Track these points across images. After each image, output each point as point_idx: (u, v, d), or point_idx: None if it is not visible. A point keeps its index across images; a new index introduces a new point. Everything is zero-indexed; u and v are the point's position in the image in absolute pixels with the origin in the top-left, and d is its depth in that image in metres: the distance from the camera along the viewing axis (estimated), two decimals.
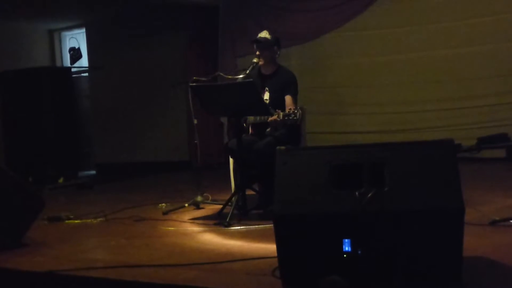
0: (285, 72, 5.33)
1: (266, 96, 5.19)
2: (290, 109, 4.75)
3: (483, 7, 8.03)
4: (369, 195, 2.78)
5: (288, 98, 5.13)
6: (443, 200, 2.75)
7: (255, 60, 5.25)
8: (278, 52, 5.33)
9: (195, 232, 4.54)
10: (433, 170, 2.84)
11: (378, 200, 2.78)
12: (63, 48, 11.73)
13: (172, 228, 4.72)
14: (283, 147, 3.09)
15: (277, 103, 5.05)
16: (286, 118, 4.69)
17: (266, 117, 4.92)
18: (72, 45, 11.07)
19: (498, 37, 7.96)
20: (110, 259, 3.84)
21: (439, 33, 8.35)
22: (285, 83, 5.21)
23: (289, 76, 5.30)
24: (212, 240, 4.23)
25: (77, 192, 8.04)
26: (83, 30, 11.40)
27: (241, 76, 5.24)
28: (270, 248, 3.32)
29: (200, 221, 4.93)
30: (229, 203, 4.93)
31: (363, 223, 2.79)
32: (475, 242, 3.42)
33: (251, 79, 5.01)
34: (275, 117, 4.76)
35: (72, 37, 11.54)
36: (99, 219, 5.23)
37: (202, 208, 5.53)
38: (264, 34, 5.32)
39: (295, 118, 4.65)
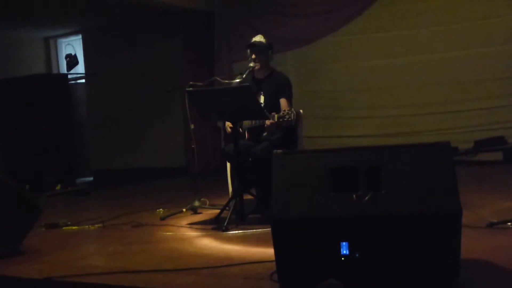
0: (279, 75, 5.35)
1: (261, 99, 5.19)
2: (284, 110, 4.78)
3: (480, 11, 8.06)
4: (366, 198, 2.79)
5: (283, 101, 5.14)
6: (440, 203, 2.75)
7: (251, 64, 5.25)
8: (272, 57, 5.37)
9: (193, 237, 4.54)
10: (430, 173, 2.83)
11: (375, 203, 2.78)
12: (59, 55, 11.74)
13: (170, 233, 4.72)
14: (279, 151, 3.08)
15: (272, 106, 5.06)
16: (280, 120, 4.71)
17: (261, 121, 4.94)
18: (68, 52, 11.09)
19: (494, 40, 7.98)
20: (108, 265, 3.83)
21: (435, 36, 8.38)
22: (279, 86, 5.22)
23: (283, 78, 5.31)
24: (210, 244, 4.22)
25: (74, 198, 8.01)
26: (79, 36, 11.41)
27: (237, 80, 5.25)
28: (268, 252, 3.31)
29: (198, 226, 4.93)
30: (227, 208, 4.92)
31: (360, 226, 2.80)
32: (473, 245, 3.42)
33: (248, 83, 5.01)
34: (270, 120, 4.78)
35: (68, 44, 11.55)
36: (96, 226, 5.22)
37: (200, 213, 5.53)
38: (259, 38, 5.33)
39: (289, 119, 4.67)
